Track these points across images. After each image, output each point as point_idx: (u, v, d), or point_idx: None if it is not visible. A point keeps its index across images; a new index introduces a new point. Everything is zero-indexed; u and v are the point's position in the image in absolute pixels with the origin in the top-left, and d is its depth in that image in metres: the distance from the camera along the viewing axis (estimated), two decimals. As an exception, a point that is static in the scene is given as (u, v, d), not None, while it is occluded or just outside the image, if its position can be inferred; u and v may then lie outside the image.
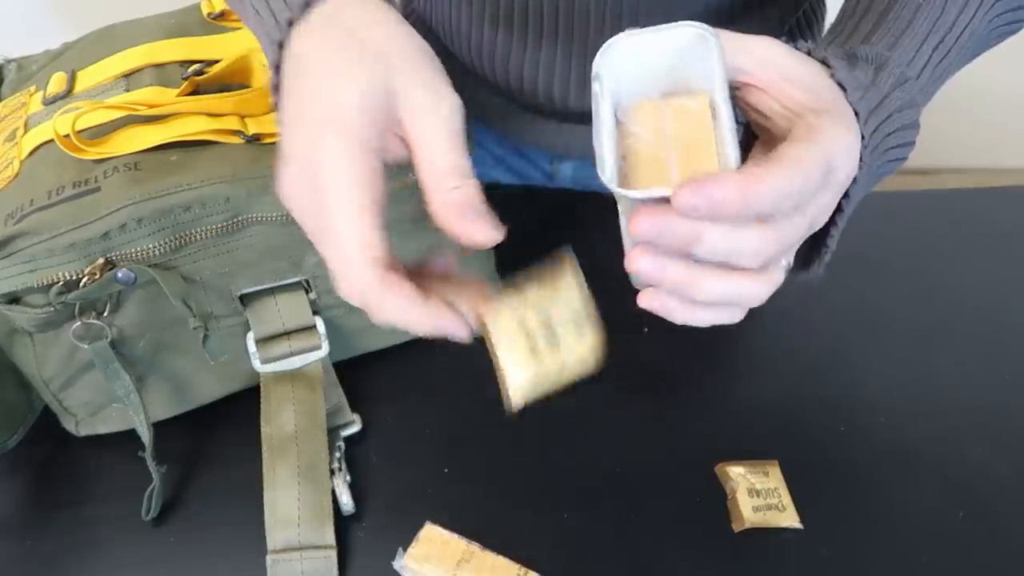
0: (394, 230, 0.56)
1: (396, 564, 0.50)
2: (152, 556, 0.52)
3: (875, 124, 0.39)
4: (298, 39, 0.39)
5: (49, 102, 0.58)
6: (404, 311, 0.37)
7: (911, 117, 0.41)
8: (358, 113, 0.36)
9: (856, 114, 0.38)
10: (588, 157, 0.76)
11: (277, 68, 0.41)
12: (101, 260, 0.49)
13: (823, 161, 0.35)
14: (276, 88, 0.41)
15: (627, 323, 0.65)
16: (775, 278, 0.37)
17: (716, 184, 0.32)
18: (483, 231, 0.36)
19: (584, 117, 0.69)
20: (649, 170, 0.37)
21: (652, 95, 0.38)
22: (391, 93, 0.37)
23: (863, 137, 0.38)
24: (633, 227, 0.34)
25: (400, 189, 0.55)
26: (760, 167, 0.33)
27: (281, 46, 0.40)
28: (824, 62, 0.39)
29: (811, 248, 0.44)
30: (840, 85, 0.38)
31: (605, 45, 0.37)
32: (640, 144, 0.37)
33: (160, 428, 0.55)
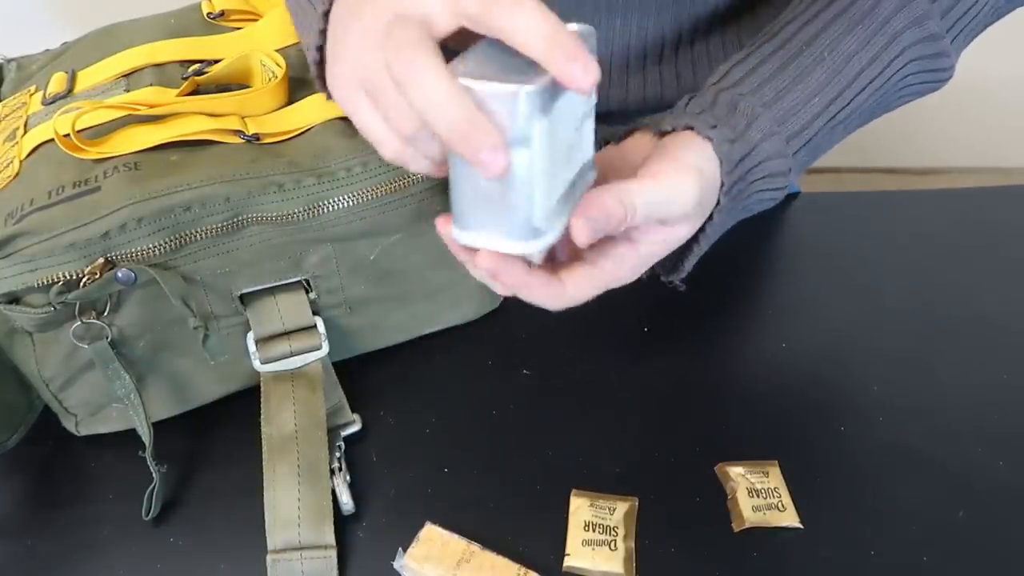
0: (402, 231, 0.56)
1: (396, 564, 0.50)
2: (152, 556, 0.52)
3: (740, 173, 0.44)
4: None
5: (49, 102, 0.58)
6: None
7: (779, 167, 0.45)
8: None
9: (720, 161, 0.43)
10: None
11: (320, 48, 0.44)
12: (101, 260, 0.50)
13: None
14: (319, 62, 0.45)
15: (627, 323, 0.65)
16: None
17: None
18: (586, 73, 0.34)
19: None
20: None
21: None
22: None
23: (723, 184, 0.43)
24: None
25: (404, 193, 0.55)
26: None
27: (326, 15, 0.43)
28: (688, 127, 0.44)
29: (676, 261, 0.48)
30: (720, 159, 0.43)
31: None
32: None
33: (160, 428, 0.55)
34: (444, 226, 0.40)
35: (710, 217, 0.45)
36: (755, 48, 0.48)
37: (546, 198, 0.37)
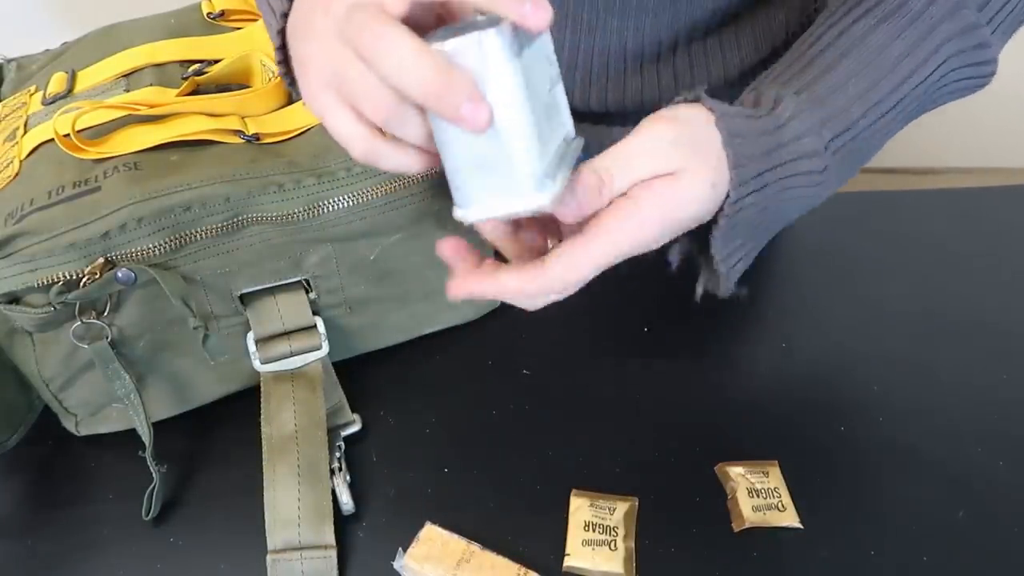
0: (402, 231, 0.56)
1: (396, 564, 0.50)
2: (152, 556, 0.52)
3: (761, 168, 0.42)
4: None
5: (49, 102, 0.58)
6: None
7: (810, 166, 0.43)
8: None
9: (711, 109, 0.42)
10: (592, 155, 0.76)
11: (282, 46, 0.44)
12: (101, 260, 0.50)
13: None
14: (283, 61, 0.44)
15: (628, 323, 0.65)
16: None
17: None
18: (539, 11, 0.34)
19: (587, 116, 0.69)
20: None
21: None
22: None
23: (736, 180, 0.41)
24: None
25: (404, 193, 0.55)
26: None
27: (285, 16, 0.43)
28: (697, 99, 0.43)
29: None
30: (710, 110, 0.42)
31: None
32: None
33: (160, 428, 0.55)
34: (449, 248, 0.40)
35: (727, 217, 0.43)
36: (784, 59, 0.47)
37: (541, 144, 0.36)
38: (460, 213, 0.38)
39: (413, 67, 0.34)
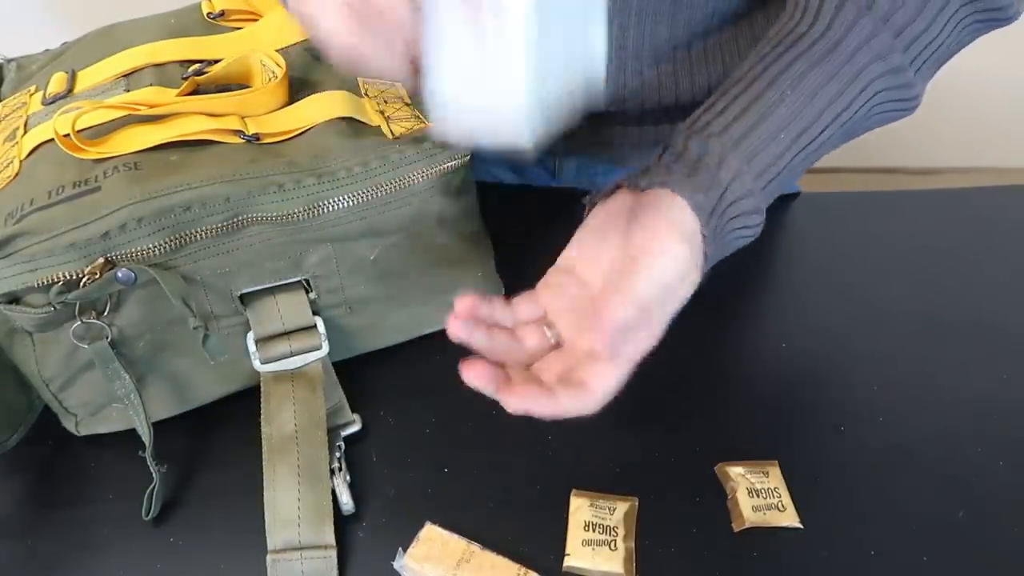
0: (402, 231, 0.56)
1: (396, 564, 0.50)
2: (152, 556, 0.52)
3: (716, 221, 0.45)
4: None
5: (49, 102, 0.58)
6: None
7: (751, 206, 0.47)
8: None
9: (703, 236, 0.45)
10: (592, 155, 0.77)
11: None
12: (101, 260, 0.50)
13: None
14: None
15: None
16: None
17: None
18: None
19: (588, 116, 0.69)
20: None
21: None
22: None
23: (703, 235, 0.45)
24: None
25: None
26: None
27: None
28: (663, 185, 0.45)
29: None
30: (696, 214, 0.44)
31: None
32: None
33: (160, 428, 0.55)
34: (475, 376, 0.43)
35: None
36: (723, 92, 0.49)
37: (541, 75, 0.33)
38: (436, 129, 0.36)
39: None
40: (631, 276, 0.43)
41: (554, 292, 0.46)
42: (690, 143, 0.47)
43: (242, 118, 0.55)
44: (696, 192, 0.45)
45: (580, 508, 0.53)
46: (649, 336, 0.44)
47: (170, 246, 0.51)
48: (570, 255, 0.47)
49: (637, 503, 0.53)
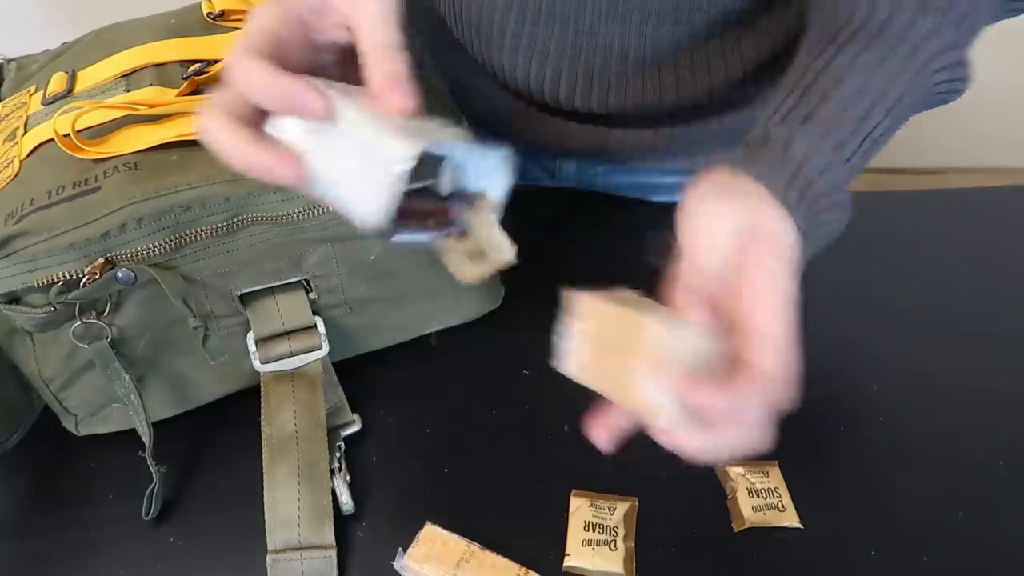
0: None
1: (396, 564, 0.50)
2: (152, 556, 0.52)
3: (803, 213, 0.41)
4: None
5: (49, 102, 0.58)
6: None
7: (836, 197, 0.43)
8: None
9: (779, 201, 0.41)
10: (592, 156, 0.77)
11: None
12: (101, 260, 0.50)
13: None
14: None
15: (627, 323, 0.65)
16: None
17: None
18: (402, 98, 0.39)
19: (588, 117, 0.69)
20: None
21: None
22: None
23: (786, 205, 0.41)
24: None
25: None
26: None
27: None
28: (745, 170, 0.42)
29: None
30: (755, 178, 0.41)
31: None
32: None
33: (160, 428, 0.55)
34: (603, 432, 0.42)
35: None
36: (777, 95, 0.46)
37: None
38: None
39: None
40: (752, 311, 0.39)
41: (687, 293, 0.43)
42: (772, 132, 0.44)
43: (242, 118, 0.55)
44: (760, 166, 0.42)
45: (580, 508, 0.53)
46: (765, 307, 0.39)
47: (170, 246, 0.51)
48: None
49: (637, 503, 0.53)
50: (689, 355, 0.38)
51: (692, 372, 0.37)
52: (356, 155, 0.39)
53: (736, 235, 0.40)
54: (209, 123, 0.40)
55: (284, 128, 0.41)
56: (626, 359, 0.38)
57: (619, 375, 0.39)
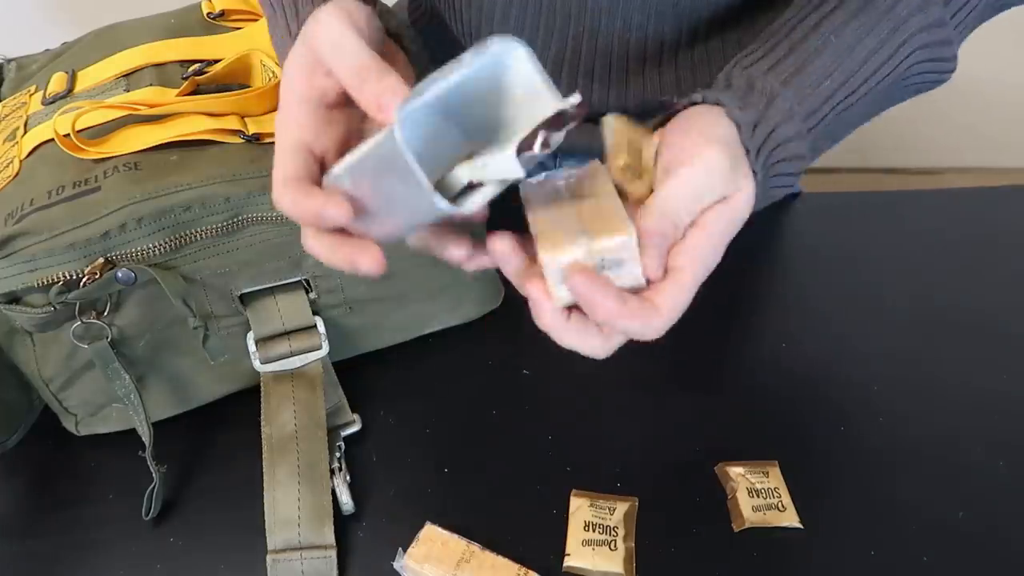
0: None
1: (396, 564, 0.50)
2: (152, 556, 0.52)
3: (764, 157, 0.44)
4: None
5: (49, 102, 0.58)
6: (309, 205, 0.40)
7: (795, 150, 0.45)
8: (299, 74, 0.43)
9: (747, 150, 0.43)
10: (591, 155, 0.76)
11: None
12: (101, 260, 0.50)
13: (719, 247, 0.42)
14: None
15: (627, 323, 0.65)
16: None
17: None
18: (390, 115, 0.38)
19: (588, 115, 0.69)
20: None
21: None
22: (318, 56, 0.42)
23: (747, 150, 0.43)
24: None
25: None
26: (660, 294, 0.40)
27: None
28: (718, 103, 0.44)
29: None
30: (736, 123, 0.44)
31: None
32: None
33: (160, 428, 0.55)
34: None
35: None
36: (764, 39, 0.48)
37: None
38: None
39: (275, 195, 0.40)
40: (660, 188, 0.42)
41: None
42: (732, 75, 0.46)
43: (242, 118, 0.55)
44: (743, 112, 0.43)
45: (580, 508, 0.53)
46: (707, 246, 0.42)
47: (170, 246, 0.51)
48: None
49: (637, 503, 0.53)
50: (613, 263, 0.40)
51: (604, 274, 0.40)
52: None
53: (711, 199, 0.42)
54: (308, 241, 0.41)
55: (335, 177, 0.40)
56: (580, 220, 0.41)
57: (563, 226, 0.41)
